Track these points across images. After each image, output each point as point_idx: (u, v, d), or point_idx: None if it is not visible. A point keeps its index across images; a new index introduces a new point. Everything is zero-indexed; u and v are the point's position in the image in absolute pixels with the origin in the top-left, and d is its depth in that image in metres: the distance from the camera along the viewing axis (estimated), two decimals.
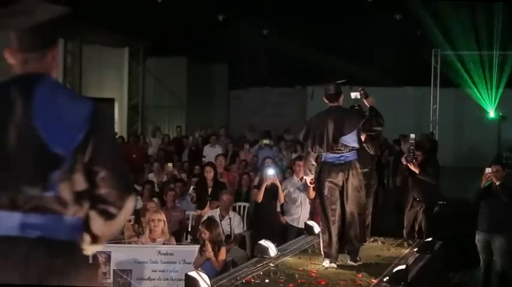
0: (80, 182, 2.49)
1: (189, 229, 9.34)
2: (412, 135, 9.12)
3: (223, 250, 7.34)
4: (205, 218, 8.52)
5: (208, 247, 7.14)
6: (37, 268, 2.45)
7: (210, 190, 9.71)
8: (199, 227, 7.81)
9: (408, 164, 8.73)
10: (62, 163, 2.43)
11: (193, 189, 9.72)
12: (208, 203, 9.49)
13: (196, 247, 7.37)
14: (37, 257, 2.44)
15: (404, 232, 8.81)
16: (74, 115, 2.45)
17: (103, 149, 2.50)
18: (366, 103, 7.38)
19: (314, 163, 6.88)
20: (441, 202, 10.13)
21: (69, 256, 2.52)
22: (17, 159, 2.44)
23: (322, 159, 6.81)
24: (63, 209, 2.48)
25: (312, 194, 8.51)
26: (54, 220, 2.47)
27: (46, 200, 2.45)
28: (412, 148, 8.89)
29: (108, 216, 2.53)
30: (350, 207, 6.69)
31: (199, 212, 9.41)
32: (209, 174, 9.89)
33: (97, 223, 2.54)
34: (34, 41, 2.53)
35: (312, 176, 6.98)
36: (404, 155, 8.92)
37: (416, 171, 8.68)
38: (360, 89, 7.48)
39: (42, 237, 2.45)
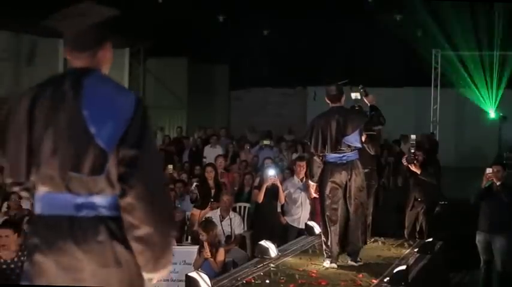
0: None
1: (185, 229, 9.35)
2: (413, 136, 9.06)
3: (221, 250, 7.37)
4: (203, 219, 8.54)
5: (206, 248, 7.17)
6: (101, 244, 2.63)
7: (212, 191, 9.71)
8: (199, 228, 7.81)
9: (409, 165, 8.72)
10: (107, 151, 2.59)
11: (195, 186, 9.62)
12: (209, 204, 9.48)
13: (196, 248, 7.39)
14: (100, 233, 2.63)
15: (405, 232, 8.81)
16: (120, 107, 2.63)
17: (142, 137, 2.64)
18: (366, 101, 7.39)
19: (320, 163, 6.87)
20: (442, 202, 10.12)
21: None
22: (66, 144, 2.62)
23: (324, 159, 6.83)
24: (113, 189, 2.64)
25: (313, 194, 8.51)
26: (107, 199, 2.65)
27: (96, 183, 2.62)
28: (412, 148, 8.86)
29: (121, 194, 2.63)
30: (353, 207, 6.70)
31: (197, 211, 9.37)
32: (210, 174, 9.89)
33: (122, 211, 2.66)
34: (86, 41, 2.77)
35: (317, 183, 6.95)
36: (405, 156, 8.90)
37: (418, 171, 8.66)
38: (360, 87, 7.48)
39: (98, 216, 2.65)
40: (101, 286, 2.66)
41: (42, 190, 2.69)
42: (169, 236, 2.76)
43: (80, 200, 2.64)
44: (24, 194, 2.84)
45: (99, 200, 2.65)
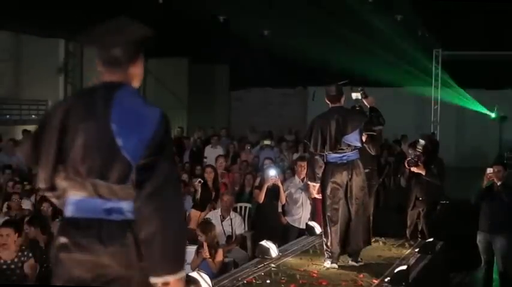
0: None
1: None
2: (422, 141, 8.90)
3: (220, 251, 7.39)
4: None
5: (205, 248, 7.17)
6: (126, 246, 2.75)
7: (213, 194, 9.71)
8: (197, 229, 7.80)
9: (412, 169, 8.66)
10: (132, 163, 2.73)
11: (199, 182, 9.56)
12: (208, 206, 9.46)
13: (194, 248, 7.40)
14: (127, 236, 2.75)
15: (407, 232, 8.77)
16: (145, 121, 2.76)
17: (162, 147, 2.77)
18: (366, 103, 7.40)
19: (322, 163, 6.86)
20: (444, 201, 10.09)
21: None
22: (94, 154, 2.77)
23: (325, 160, 6.82)
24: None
25: (314, 194, 8.50)
26: (132, 204, 2.77)
27: (123, 190, 2.76)
28: (417, 152, 8.71)
29: (135, 198, 2.74)
30: (354, 207, 6.69)
31: (196, 213, 9.35)
32: (210, 175, 9.90)
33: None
34: (119, 58, 2.89)
35: (319, 184, 6.94)
36: (407, 160, 8.81)
37: (423, 172, 8.59)
38: (360, 89, 7.49)
39: (125, 219, 2.77)
40: (123, 286, 2.77)
41: (73, 194, 2.83)
42: (175, 241, 2.75)
43: (109, 204, 2.77)
44: (54, 201, 2.97)
45: (126, 205, 2.77)
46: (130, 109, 2.81)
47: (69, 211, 2.85)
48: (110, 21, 2.94)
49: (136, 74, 2.99)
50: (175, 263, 2.76)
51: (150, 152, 2.72)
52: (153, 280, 2.73)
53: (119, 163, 2.72)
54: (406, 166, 8.70)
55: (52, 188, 2.89)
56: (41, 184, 2.92)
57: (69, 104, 2.90)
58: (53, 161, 2.83)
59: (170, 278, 2.73)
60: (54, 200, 2.98)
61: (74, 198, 2.83)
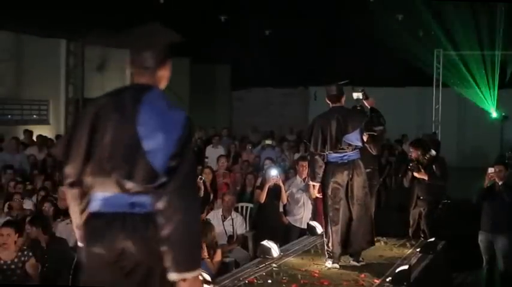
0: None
1: None
2: (433, 152, 8.94)
3: (218, 252, 7.40)
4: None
5: (204, 249, 7.17)
6: (149, 238, 2.85)
7: (211, 195, 9.72)
8: None
9: (414, 174, 8.66)
10: (158, 169, 2.81)
11: (199, 179, 9.58)
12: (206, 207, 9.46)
13: None
14: (149, 228, 2.85)
15: (410, 231, 8.78)
16: (171, 126, 2.86)
17: (185, 149, 2.87)
18: (367, 104, 7.40)
19: (322, 163, 6.85)
20: (445, 201, 10.08)
21: None
22: (120, 155, 2.86)
23: (326, 160, 6.82)
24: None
25: (315, 194, 8.49)
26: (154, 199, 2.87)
27: (148, 187, 2.84)
28: (425, 159, 8.72)
29: (157, 198, 2.82)
30: (356, 207, 6.68)
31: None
32: (208, 177, 9.90)
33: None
34: (150, 61, 3.03)
35: (319, 183, 6.92)
36: (409, 165, 8.81)
37: (425, 178, 8.60)
38: (360, 89, 7.49)
39: (147, 212, 2.86)
40: (144, 276, 2.88)
41: (100, 191, 2.93)
42: (192, 240, 2.86)
43: (133, 199, 2.87)
44: (74, 200, 3.03)
45: (148, 199, 2.86)
46: (158, 113, 2.90)
47: (95, 206, 2.94)
48: (142, 26, 3.06)
49: (164, 77, 3.13)
50: (193, 261, 2.87)
51: (174, 155, 2.81)
52: (172, 276, 2.82)
53: (143, 166, 2.81)
54: (409, 169, 8.72)
55: (79, 183, 2.98)
56: (69, 179, 3.00)
57: (100, 104, 2.99)
58: (82, 156, 2.92)
59: (188, 275, 2.82)
60: (74, 199, 3.03)
61: (101, 194, 2.92)
